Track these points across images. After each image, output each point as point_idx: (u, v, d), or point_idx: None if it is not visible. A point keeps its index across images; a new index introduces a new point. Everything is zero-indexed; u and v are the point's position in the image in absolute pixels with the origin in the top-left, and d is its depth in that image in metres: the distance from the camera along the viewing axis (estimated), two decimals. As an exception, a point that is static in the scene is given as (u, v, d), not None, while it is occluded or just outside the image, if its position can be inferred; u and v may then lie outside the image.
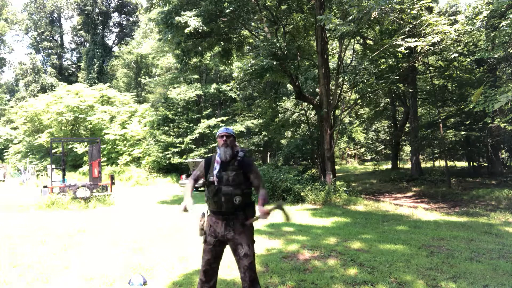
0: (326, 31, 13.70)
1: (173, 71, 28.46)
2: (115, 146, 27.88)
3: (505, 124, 11.43)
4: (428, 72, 18.46)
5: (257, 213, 2.85)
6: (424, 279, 3.84)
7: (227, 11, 12.62)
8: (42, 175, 27.84)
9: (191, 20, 12.05)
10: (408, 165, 27.55)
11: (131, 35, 47.00)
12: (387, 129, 32.65)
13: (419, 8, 10.88)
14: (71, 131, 30.79)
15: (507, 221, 7.61)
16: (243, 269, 2.73)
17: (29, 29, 50.07)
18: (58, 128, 30.25)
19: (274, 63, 12.04)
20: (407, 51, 12.04)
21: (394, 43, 11.32)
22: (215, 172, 2.82)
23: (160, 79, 29.19)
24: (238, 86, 24.87)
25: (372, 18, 11.28)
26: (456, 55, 14.52)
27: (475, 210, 9.84)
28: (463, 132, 18.99)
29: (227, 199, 2.74)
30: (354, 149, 39.34)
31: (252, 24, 15.54)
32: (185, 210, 2.84)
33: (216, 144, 3.03)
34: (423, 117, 24.28)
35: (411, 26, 11.43)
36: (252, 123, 25.06)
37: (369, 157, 38.08)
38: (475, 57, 12.90)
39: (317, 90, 16.05)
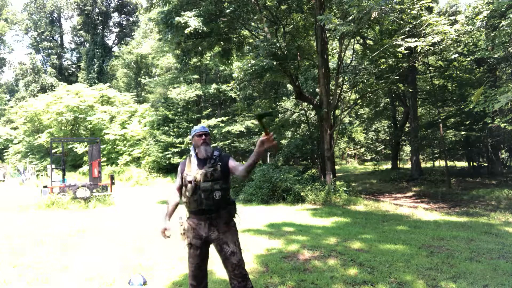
0: (326, 31, 13.68)
1: (173, 71, 28.42)
2: (115, 146, 27.88)
3: (505, 124, 11.41)
4: (428, 72, 18.46)
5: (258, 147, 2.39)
6: (424, 279, 3.84)
7: (227, 11, 12.61)
8: (42, 175, 27.84)
9: (191, 20, 12.04)
10: (408, 165, 27.54)
11: (131, 35, 47.00)
12: (387, 129, 32.60)
13: (419, 8, 10.87)
14: (71, 131, 30.80)
15: (507, 221, 7.60)
16: (231, 268, 2.70)
17: (29, 29, 50.06)
18: (58, 128, 30.26)
19: (274, 63, 12.02)
20: (407, 51, 12.02)
21: (394, 43, 11.30)
22: (193, 169, 2.81)
23: (160, 79, 29.16)
24: (238, 86, 24.82)
25: (372, 18, 11.26)
26: (456, 55, 14.52)
27: (475, 210, 9.83)
28: (463, 132, 18.98)
29: (207, 195, 2.69)
30: (354, 149, 39.26)
31: (252, 24, 15.51)
32: (164, 233, 2.81)
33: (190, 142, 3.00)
34: (423, 117, 24.25)
35: (411, 26, 11.42)
36: (252, 123, 25.04)
37: (369, 157, 38.02)
38: (475, 57, 12.90)
39: (317, 90, 16.02)
